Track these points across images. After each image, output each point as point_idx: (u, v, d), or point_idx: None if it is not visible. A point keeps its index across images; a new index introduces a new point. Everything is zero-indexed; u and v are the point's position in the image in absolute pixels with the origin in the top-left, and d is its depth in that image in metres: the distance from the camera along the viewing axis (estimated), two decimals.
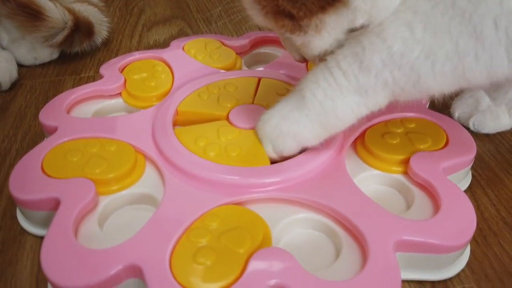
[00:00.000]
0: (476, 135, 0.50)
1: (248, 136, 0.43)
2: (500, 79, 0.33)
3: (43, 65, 0.65)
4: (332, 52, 0.37)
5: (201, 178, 0.39)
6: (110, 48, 0.69)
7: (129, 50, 0.68)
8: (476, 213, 0.37)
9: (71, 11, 0.63)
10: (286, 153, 0.40)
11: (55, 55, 0.65)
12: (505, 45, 0.31)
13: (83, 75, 0.63)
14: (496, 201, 0.43)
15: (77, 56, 0.66)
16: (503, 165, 0.47)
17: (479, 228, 0.40)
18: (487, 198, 0.44)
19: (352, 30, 0.35)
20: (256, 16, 0.36)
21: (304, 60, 0.42)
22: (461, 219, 0.36)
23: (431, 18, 0.32)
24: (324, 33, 0.35)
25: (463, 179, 0.44)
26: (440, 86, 0.34)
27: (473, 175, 0.46)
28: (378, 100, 0.36)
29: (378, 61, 0.34)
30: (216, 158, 0.40)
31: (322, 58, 0.38)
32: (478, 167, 0.47)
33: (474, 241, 0.39)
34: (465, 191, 0.44)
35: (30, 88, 0.60)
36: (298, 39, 0.36)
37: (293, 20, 0.35)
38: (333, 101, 0.36)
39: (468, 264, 0.37)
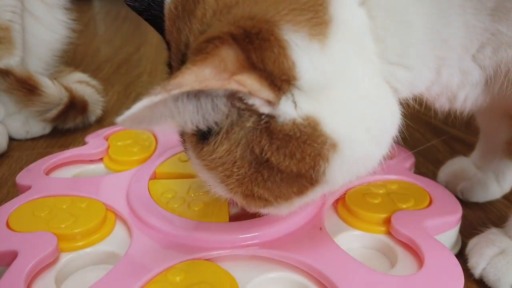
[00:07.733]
0: (465, 203, 0.48)
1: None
2: None
3: (34, 138, 0.66)
4: None
5: (169, 233, 0.37)
6: (103, 125, 0.71)
7: None
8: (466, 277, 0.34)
9: (67, 89, 0.66)
10: None
11: (47, 129, 0.67)
12: None
13: (71, 148, 0.63)
14: None
15: (69, 131, 0.67)
16: None
17: None
18: None
19: None
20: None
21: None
22: (446, 276, 0.33)
23: None
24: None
25: (455, 246, 0.42)
26: None
27: (464, 243, 0.43)
28: None
29: None
30: (178, 211, 0.40)
31: None
32: (470, 235, 0.44)
33: None
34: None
35: (16, 159, 0.60)
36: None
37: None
38: None
39: None
